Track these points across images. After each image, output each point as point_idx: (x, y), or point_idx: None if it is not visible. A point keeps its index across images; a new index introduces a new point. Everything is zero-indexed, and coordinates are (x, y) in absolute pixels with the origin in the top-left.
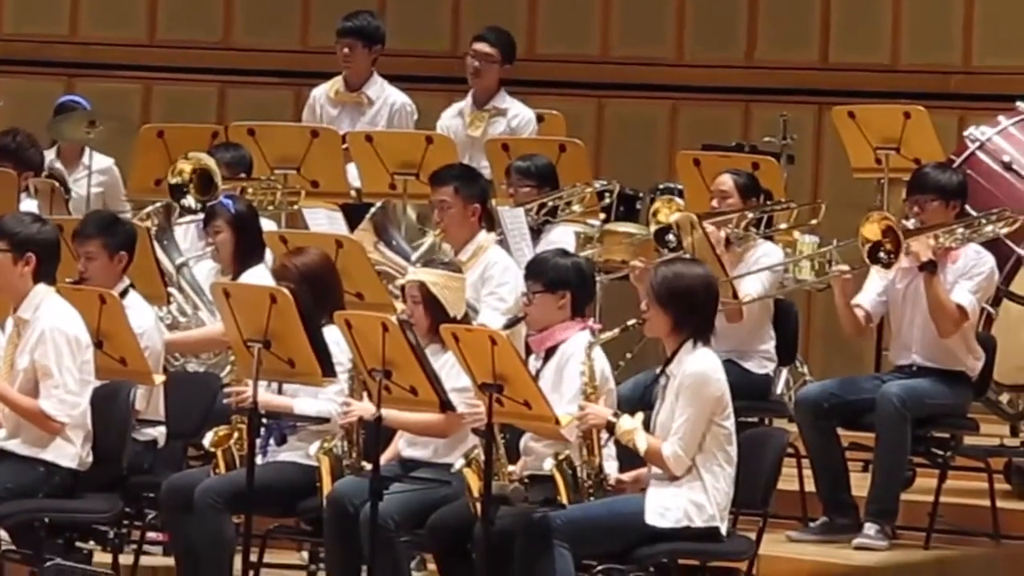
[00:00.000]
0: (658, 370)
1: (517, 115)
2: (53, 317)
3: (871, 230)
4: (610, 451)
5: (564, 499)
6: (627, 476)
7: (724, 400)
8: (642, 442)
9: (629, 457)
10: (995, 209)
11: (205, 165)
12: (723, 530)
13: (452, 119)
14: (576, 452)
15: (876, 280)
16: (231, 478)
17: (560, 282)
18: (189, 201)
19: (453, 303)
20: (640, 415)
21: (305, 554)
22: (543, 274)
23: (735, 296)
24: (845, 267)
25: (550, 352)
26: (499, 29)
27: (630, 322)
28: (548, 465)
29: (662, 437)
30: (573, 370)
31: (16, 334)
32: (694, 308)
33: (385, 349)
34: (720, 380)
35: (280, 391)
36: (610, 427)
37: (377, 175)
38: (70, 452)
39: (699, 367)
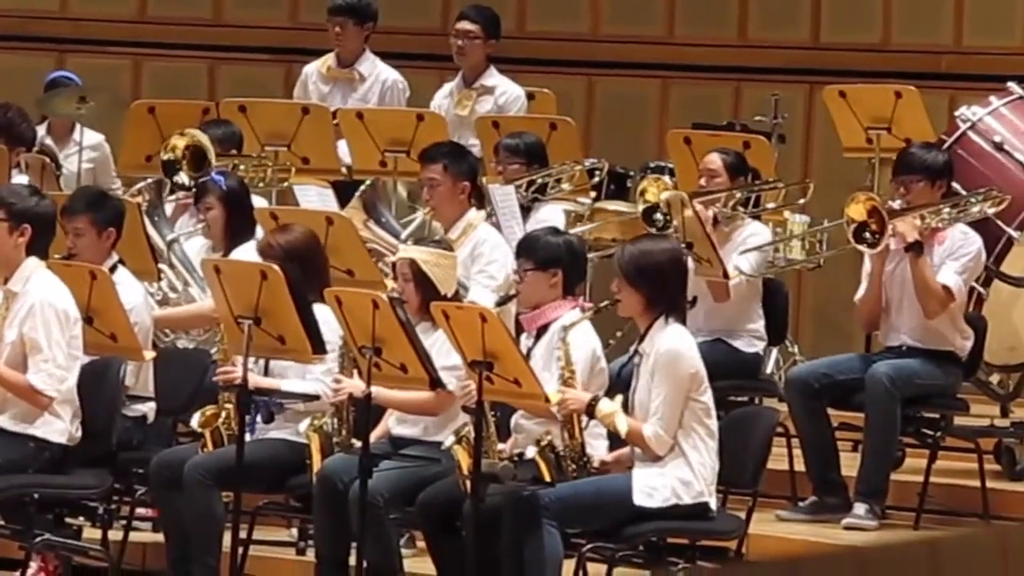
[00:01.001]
0: (631, 349)
1: (505, 92)
2: (43, 291)
3: (856, 210)
4: (601, 430)
5: (549, 481)
6: (610, 457)
7: (699, 375)
8: (623, 424)
9: (615, 435)
10: (981, 188)
11: (198, 142)
12: (712, 505)
13: (443, 99)
14: (560, 434)
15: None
16: (220, 454)
17: (552, 260)
18: (182, 177)
19: (444, 281)
20: (619, 397)
21: (295, 530)
22: (535, 252)
23: (724, 276)
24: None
25: (541, 330)
26: (480, 6)
27: (602, 303)
28: (531, 452)
29: (641, 416)
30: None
31: (5, 306)
32: (664, 284)
33: (375, 326)
34: (693, 355)
35: (267, 371)
36: (590, 411)
37: (368, 152)
38: (59, 427)
39: (671, 344)
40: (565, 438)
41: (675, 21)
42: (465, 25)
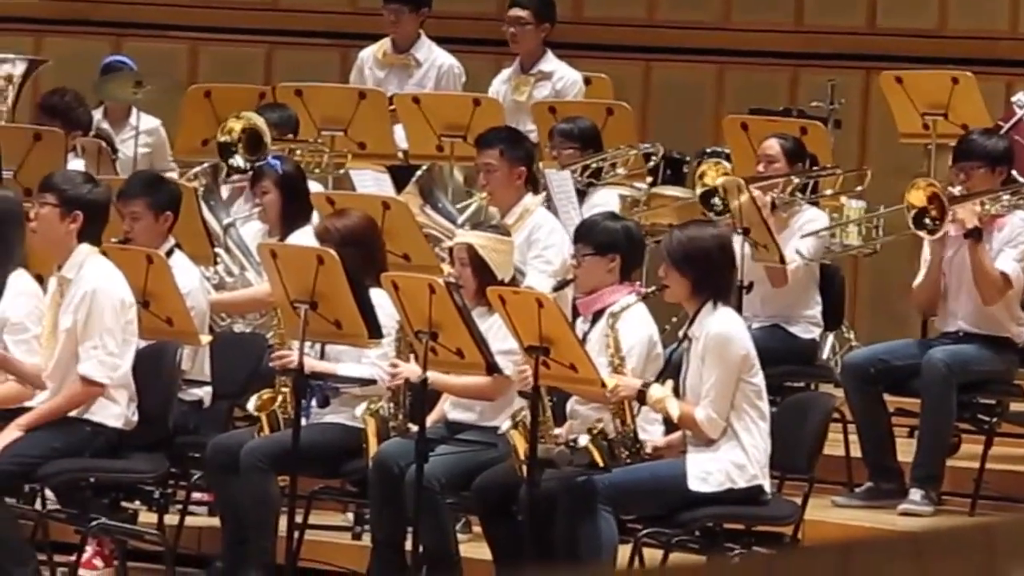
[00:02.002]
0: (680, 333)
1: (562, 77)
2: (96, 278)
3: (917, 197)
4: (656, 416)
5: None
6: (662, 442)
7: (750, 357)
8: (674, 409)
9: (671, 421)
10: None
11: (255, 125)
12: (766, 487)
13: (501, 84)
14: (612, 421)
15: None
16: (277, 439)
17: (610, 245)
18: (238, 160)
19: (501, 266)
20: (670, 382)
21: (350, 515)
22: (593, 237)
23: (781, 261)
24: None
25: (597, 315)
26: None
27: (650, 288)
28: (584, 441)
29: (692, 400)
30: (623, 333)
31: (59, 293)
32: (711, 269)
33: (432, 311)
34: (743, 337)
35: (323, 355)
36: (641, 397)
37: (424, 137)
38: (115, 412)
39: (721, 328)
40: (617, 425)
41: (732, 6)
42: (516, 12)
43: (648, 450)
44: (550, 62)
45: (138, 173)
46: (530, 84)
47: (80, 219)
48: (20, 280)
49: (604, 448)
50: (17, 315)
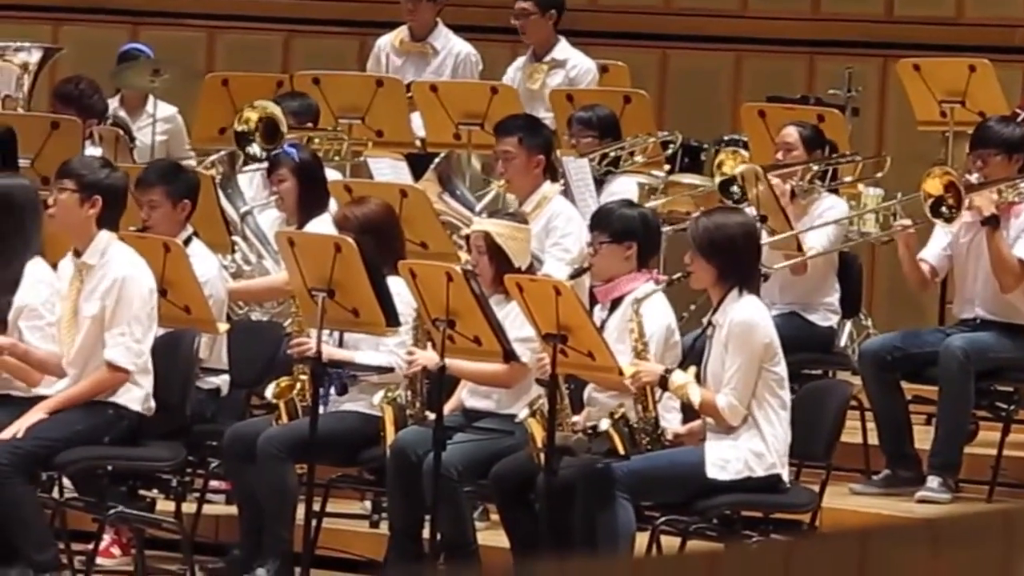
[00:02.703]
0: (704, 320)
1: (576, 65)
2: (123, 265)
3: (933, 185)
4: (675, 403)
5: (623, 454)
6: (683, 429)
7: (773, 345)
8: (696, 395)
9: (689, 408)
10: None
11: (271, 113)
12: (784, 476)
13: (515, 72)
14: (634, 407)
15: (941, 235)
16: (294, 427)
17: (627, 233)
18: (255, 149)
19: (518, 254)
20: (692, 368)
21: (368, 503)
22: (609, 224)
23: (799, 249)
24: (907, 221)
25: (615, 303)
26: None
27: (675, 275)
28: (604, 425)
29: (714, 388)
30: (644, 319)
31: (79, 279)
32: (736, 256)
33: (449, 299)
34: (767, 326)
35: (341, 343)
36: (663, 382)
37: (442, 125)
38: (137, 396)
39: (745, 315)
40: (639, 411)
41: None
42: (520, 4)
43: (669, 437)
44: (564, 50)
45: (156, 161)
46: (543, 72)
47: (99, 204)
48: (37, 268)
49: (625, 434)
50: (34, 302)
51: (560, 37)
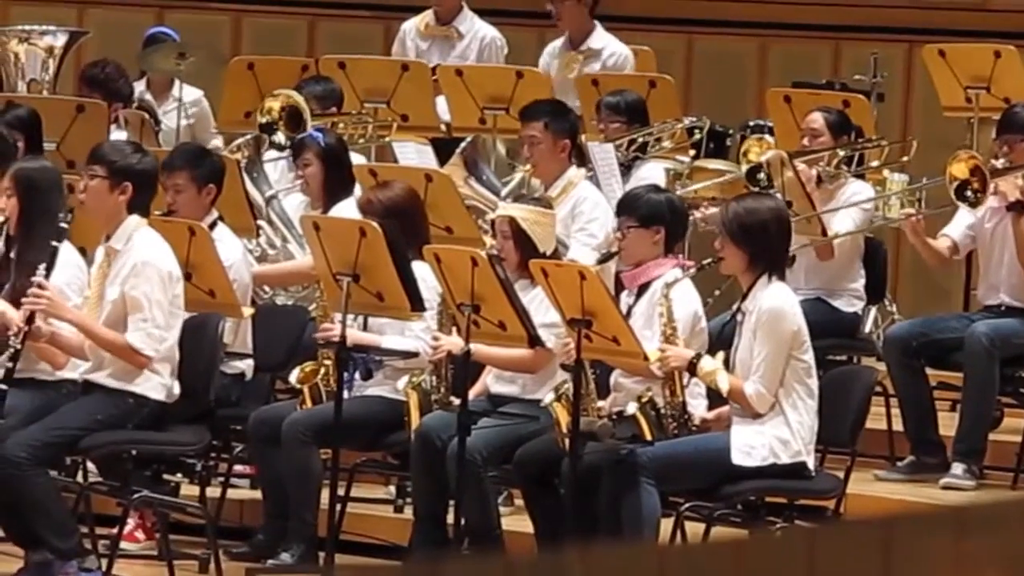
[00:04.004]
0: (734, 307)
1: (613, 54)
2: (145, 250)
3: (958, 169)
4: (700, 389)
5: (649, 439)
6: (711, 415)
7: (801, 333)
8: (724, 382)
9: (715, 394)
10: None
11: (294, 102)
12: (810, 464)
13: (549, 58)
14: (661, 391)
15: (965, 213)
16: (319, 411)
17: (654, 217)
18: (280, 138)
19: (543, 239)
20: (721, 354)
21: (392, 488)
22: (637, 209)
23: (824, 233)
24: (911, 210)
25: (642, 288)
26: None
27: (705, 260)
28: (632, 409)
29: (742, 375)
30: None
31: (106, 263)
32: (767, 242)
33: (474, 283)
34: (796, 314)
35: (365, 327)
36: (691, 368)
37: (467, 109)
38: (158, 384)
39: (774, 302)
40: (666, 395)
41: None
42: None
43: (696, 422)
44: (600, 37)
45: (182, 145)
46: (579, 62)
47: (129, 190)
48: (63, 250)
49: (652, 418)
50: (58, 283)
51: (596, 23)
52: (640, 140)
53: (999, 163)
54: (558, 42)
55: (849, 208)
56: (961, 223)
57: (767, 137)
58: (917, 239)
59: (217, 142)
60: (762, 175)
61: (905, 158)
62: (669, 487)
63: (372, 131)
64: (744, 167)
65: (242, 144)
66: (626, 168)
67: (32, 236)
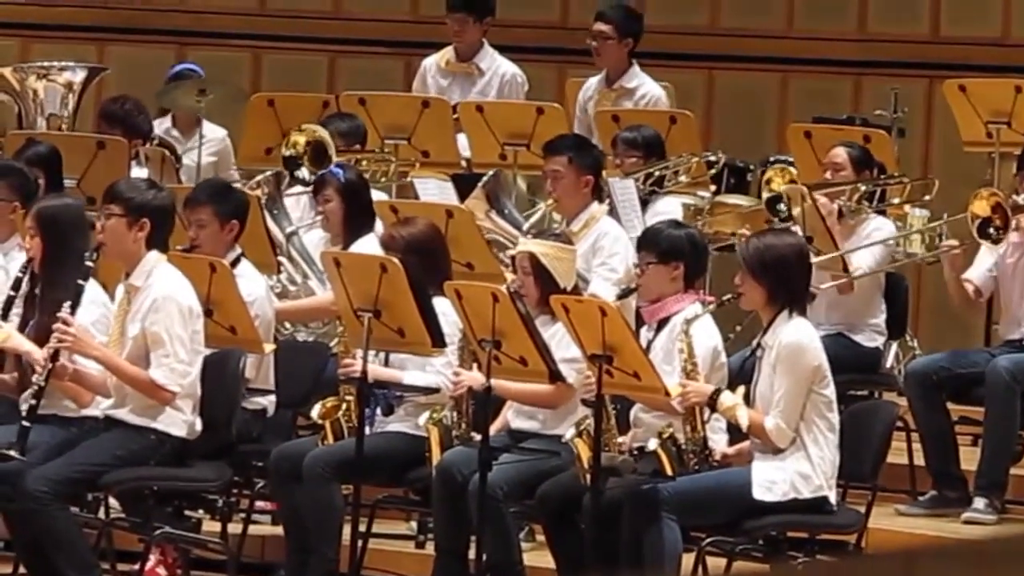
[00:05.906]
0: (755, 342)
1: (646, 95)
2: (165, 285)
3: (980, 206)
4: (721, 424)
5: (670, 474)
6: (731, 450)
7: (822, 368)
8: (744, 417)
9: (736, 429)
10: None
11: (319, 137)
12: (831, 499)
13: (587, 93)
14: (682, 427)
15: (986, 255)
16: (340, 447)
17: (674, 253)
18: (303, 173)
19: (563, 274)
20: (741, 389)
21: (414, 523)
22: (657, 244)
23: (846, 269)
24: (955, 242)
25: (662, 323)
26: (618, 4)
27: (725, 296)
28: (653, 445)
29: (763, 409)
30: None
31: (127, 300)
32: (787, 277)
33: (495, 319)
34: (816, 348)
35: (387, 363)
36: (712, 403)
37: (487, 145)
38: (180, 421)
39: (794, 337)
40: (687, 431)
41: (794, 14)
42: (599, 26)
43: (716, 457)
44: (635, 76)
45: (206, 181)
46: (612, 100)
47: (147, 227)
48: (88, 288)
49: (673, 454)
50: (84, 322)
51: (633, 62)
52: (657, 174)
53: (1020, 199)
54: (595, 78)
55: (871, 245)
56: (982, 266)
57: (790, 168)
58: (952, 273)
59: (235, 176)
60: (782, 206)
61: (927, 196)
62: (690, 522)
63: (394, 168)
64: (766, 195)
65: (262, 180)
66: (643, 203)
67: (57, 275)
